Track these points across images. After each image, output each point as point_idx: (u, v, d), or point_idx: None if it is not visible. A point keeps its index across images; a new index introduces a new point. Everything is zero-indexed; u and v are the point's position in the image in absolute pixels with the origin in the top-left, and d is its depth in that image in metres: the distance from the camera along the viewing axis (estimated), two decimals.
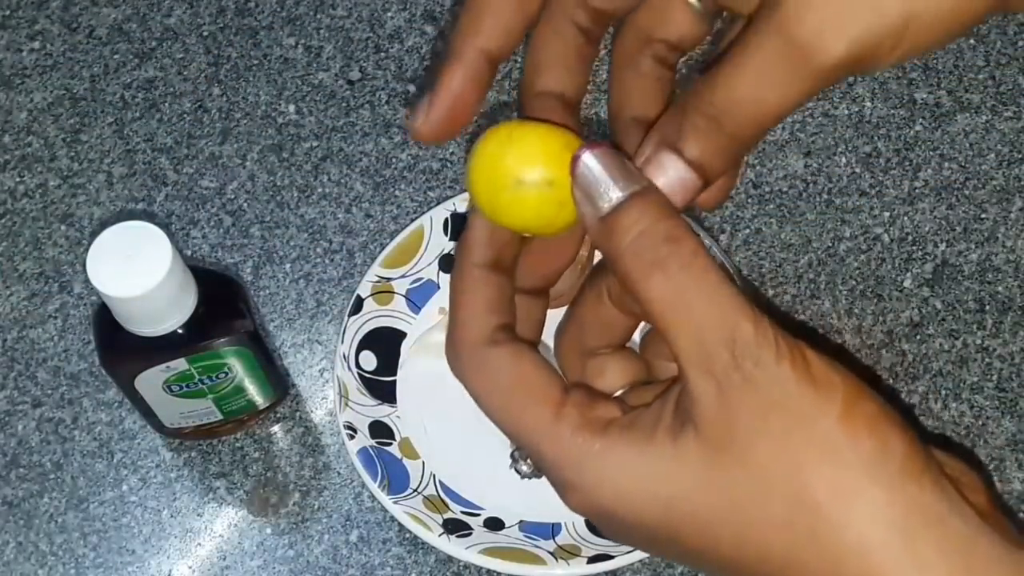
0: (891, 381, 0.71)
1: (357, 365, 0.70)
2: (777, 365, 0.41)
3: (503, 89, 0.79)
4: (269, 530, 0.69)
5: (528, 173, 0.44)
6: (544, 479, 0.45)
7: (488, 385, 0.45)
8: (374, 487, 0.66)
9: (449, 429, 0.70)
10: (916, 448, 0.41)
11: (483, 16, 0.45)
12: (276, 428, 0.71)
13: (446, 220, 0.73)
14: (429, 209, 0.74)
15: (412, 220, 0.74)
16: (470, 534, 0.66)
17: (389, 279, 0.72)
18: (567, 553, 0.65)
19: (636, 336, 0.50)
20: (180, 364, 0.63)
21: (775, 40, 0.42)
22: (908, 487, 0.40)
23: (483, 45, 0.45)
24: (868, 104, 0.78)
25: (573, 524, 0.67)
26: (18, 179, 0.78)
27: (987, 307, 0.73)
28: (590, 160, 0.43)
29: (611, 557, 0.64)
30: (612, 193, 0.42)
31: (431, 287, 0.73)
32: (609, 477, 0.43)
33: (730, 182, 0.49)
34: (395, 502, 0.66)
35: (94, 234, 0.62)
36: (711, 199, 0.48)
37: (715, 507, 0.41)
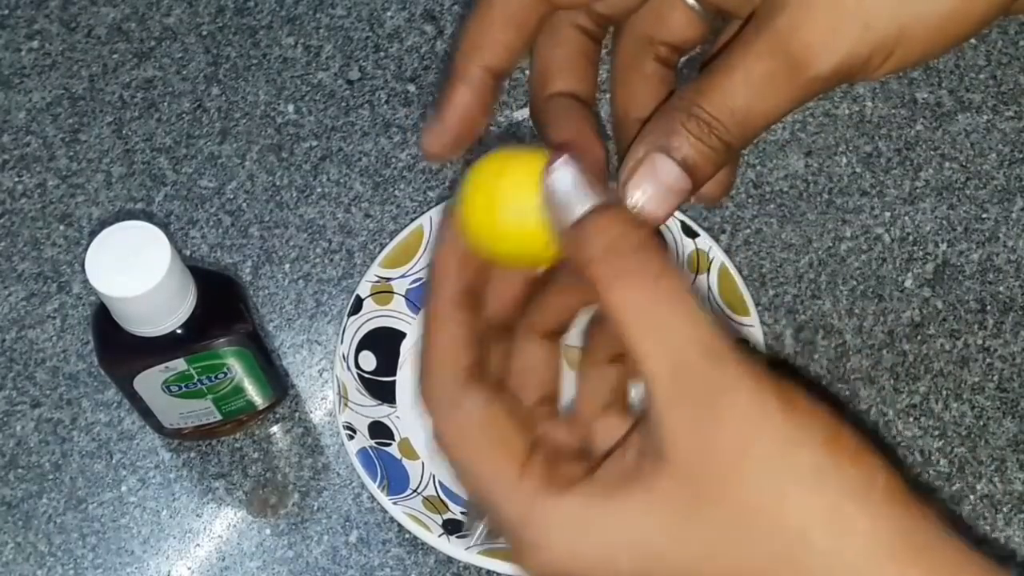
0: (892, 381, 0.71)
1: (356, 365, 0.70)
2: (757, 392, 0.39)
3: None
4: (268, 531, 0.69)
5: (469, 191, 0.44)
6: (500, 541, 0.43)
7: (455, 435, 0.43)
8: (374, 488, 0.66)
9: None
10: (896, 477, 0.41)
11: (484, 35, 0.46)
12: (275, 428, 0.71)
13: None
14: (429, 209, 0.74)
15: (412, 220, 0.74)
16: (470, 535, 0.65)
17: (388, 279, 0.72)
18: None
19: None
20: (179, 364, 0.63)
21: (768, 51, 0.42)
22: (895, 514, 0.39)
23: (486, 63, 0.46)
24: (869, 104, 0.78)
25: None
26: (17, 179, 0.78)
27: (988, 307, 0.72)
28: (562, 170, 0.42)
29: None
30: (583, 203, 0.41)
31: None
32: (573, 539, 0.41)
33: (731, 176, 0.48)
34: (395, 503, 0.66)
35: (93, 234, 0.61)
36: (714, 193, 0.47)
37: (696, 553, 0.40)
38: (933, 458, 0.69)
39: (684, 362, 0.39)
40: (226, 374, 0.65)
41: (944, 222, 0.75)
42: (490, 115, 0.46)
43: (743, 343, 0.39)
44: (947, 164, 0.76)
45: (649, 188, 0.43)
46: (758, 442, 0.39)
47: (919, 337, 0.72)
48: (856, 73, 0.43)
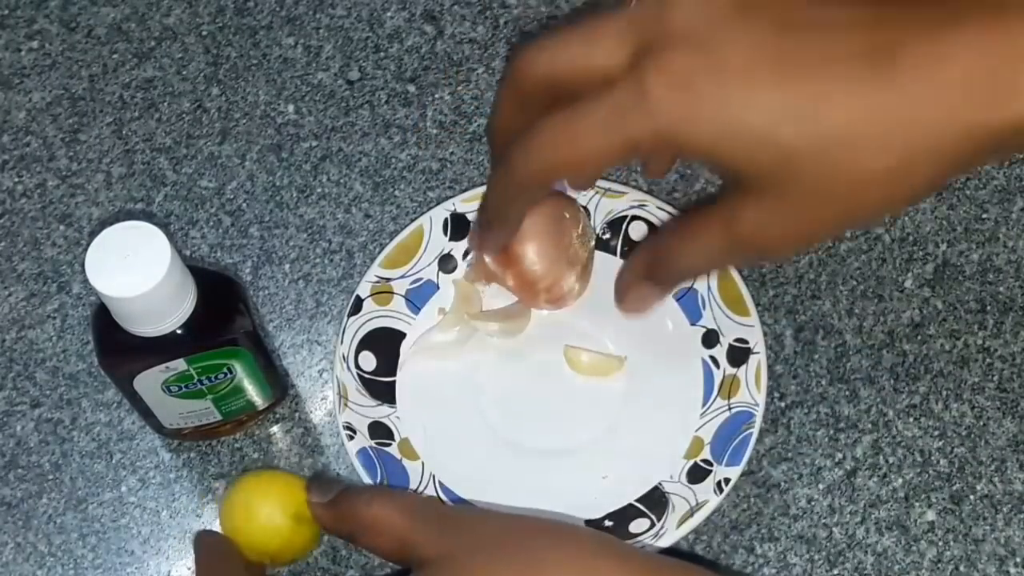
0: (892, 381, 0.71)
1: (356, 365, 0.70)
2: None
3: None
4: None
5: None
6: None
7: None
8: None
9: (449, 430, 0.70)
10: None
11: (510, 125, 0.58)
12: (275, 429, 0.71)
13: (446, 220, 0.73)
14: (429, 209, 0.74)
15: (411, 220, 0.74)
16: None
17: (388, 279, 0.72)
18: None
19: None
20: (179, 364, 0.63)
21: (722, 238, 0.54)
22: None
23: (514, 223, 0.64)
24: None
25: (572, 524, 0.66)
26: (16, 179, 0.78)
27: (988, 307, 0.72)
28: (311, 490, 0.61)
29: None
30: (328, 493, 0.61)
31: (430, 287, 0.73)
32: None
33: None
34: None
35: (93, 234, 0.62)
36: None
37: None
38: (933, 458, 0.69)
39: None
40: (226, 374, 0.65)
41: (944, 222, 0.75)
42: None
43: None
44: None
45: (639, 300, 0.62)
46: None
47: (919, 337, 0.72)
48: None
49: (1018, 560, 0.67)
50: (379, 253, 0.73)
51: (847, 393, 0.71)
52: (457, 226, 0.73)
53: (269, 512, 0.61)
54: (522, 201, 0.59)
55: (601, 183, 0.73)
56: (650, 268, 0.60)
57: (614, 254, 0.73)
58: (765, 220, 0.52)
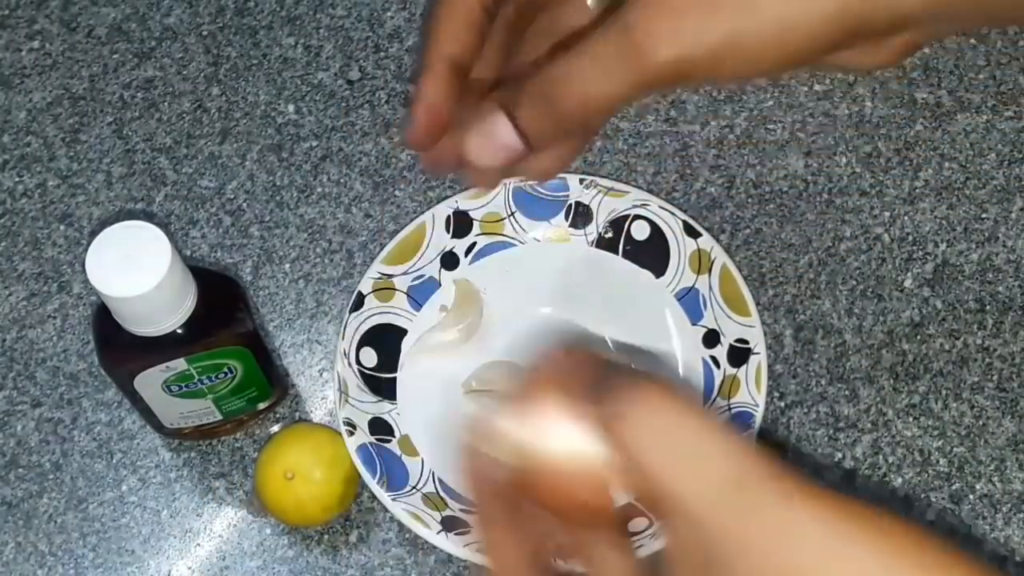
0: (892, 381, 0.71)
1: (357, 362, 0.70)
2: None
3: None
4: (268, 530, 0.69)
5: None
6: None
7: None
8: (373, 484, 0.66)
9: (449, 426, 0.70)
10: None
11: (441, 31, 0.51)
12: (276, 428, 0.71)
13: (448, 217, 0.73)
14: (429, 208, 0.74)
15: (411, 220, 0.74)
16: (469, 531, 0.65)
17: (391, 276, 0.72)
18: None
19: None
20: (179, 364, 0.63)
21: (614, 39, 0.46)
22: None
23: (446, 53, 0.50)
24: (868, 104, 0.78)
25: None
26: (17, 179, 0.78)
27: (987, 307, 0.72)
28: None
29: None
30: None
31: (432, 284, 0.73)
32: None
33: (568, 157, 0.52)
34: (394, 499, 0.66)
35: (93, 234, 0.62)
36: (547, 168, 0.51)
37: None
38: (933, 458, 0.69)
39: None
40: (226, 374, 0.65)
41: (943, 222, 0.75)
42: (454, 103, 0.50)
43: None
44: (946, 164, 0.76)
45: (485, 140, 0.48)
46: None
47: (919, 337, 0.72)
48: (691, 73, 0.46)
49: (1018, 560, 0.67)
50: (379, 252, 0.73)
51: (847, 393, 0.71)
52: (459, 223, 0.73)
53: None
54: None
55: (603, 182, 0.73)
56: (527, 90, 0.48)
57: (616, 253, 0.73)
58: (662, 28, 0.46)
